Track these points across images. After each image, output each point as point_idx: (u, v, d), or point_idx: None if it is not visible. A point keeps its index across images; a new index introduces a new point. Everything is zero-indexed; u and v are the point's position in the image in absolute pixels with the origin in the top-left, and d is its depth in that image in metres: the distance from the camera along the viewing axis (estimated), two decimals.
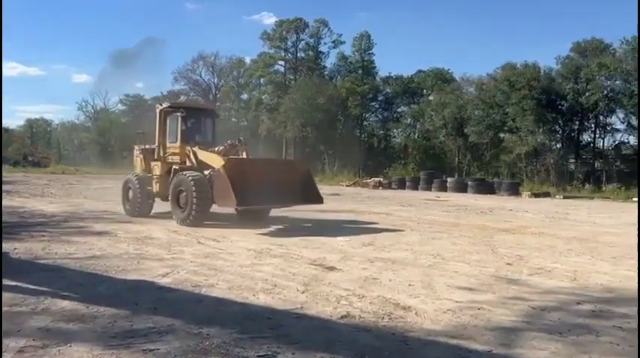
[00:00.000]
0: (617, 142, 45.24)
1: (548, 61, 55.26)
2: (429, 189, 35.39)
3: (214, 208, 12.89)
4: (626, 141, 44.92)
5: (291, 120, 54.43)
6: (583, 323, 5.36)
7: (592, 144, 45.46)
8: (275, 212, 14.55)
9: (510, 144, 43.10)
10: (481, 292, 6.66)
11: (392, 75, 60.89)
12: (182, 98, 70.40)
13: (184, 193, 12.61)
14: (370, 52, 61.06)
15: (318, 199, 13.38)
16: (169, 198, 13.14)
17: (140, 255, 8.60)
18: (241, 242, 10.33)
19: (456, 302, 6.08)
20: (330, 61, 65.53)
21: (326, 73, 63.75)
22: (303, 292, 6.38)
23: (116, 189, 16.51)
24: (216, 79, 71.55)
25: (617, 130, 44.64)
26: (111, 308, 5.44)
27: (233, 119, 68.78)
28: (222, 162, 12.21)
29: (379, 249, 9.67)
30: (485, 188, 33.37)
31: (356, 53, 61.54)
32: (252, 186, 11.84)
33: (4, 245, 8.28)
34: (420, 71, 59.88)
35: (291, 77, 64.27)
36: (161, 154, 14.31)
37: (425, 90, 58.33)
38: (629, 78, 39.73)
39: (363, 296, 6.20)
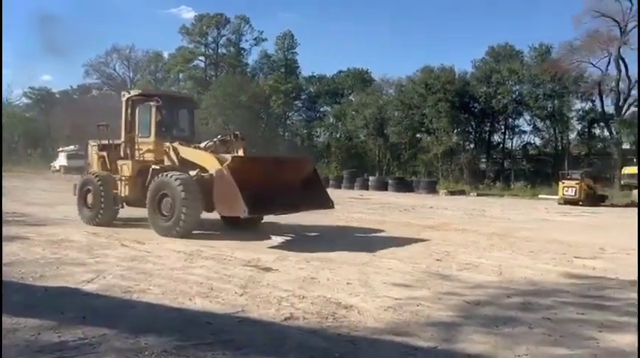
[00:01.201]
0: (523, 143, 48.39)
1: (467, 65, 57.96)
2: (351, 187, 35.95)
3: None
4: (532, 142, 48.20)
5: (212, 118, 53.21)
6: (515, 316, 5.61)
7: (501, 145, 48.35)
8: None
9: (427, 144, 44.80)
10: (417, 288, 6.80)
11: (315, 74, 61.38)
12: (94, 92, 66.79)
13: (168, 198, 10.69)
14: (293, 51, 61.16)
15: (327, 203, 11.57)
16: (147, 205, 11.09)
17: (59, 260, 7.99)
18: (169, 243, 9.91)
19: (395, 299, 6.16)
20: (252, 59, 64.99)
21: (248, 70, 63.07)
22: (242, 295, 6.20)
23: (23, 187, 15.28)
24: (131, 73, 68.59)
25: (524, 132, 47.78)
26: (33, 318, 4.97)
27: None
28: (217, 162, 10.46)
29: (314, 248, 9.62)
30: (405, 186, 34.45)
31: (279, 51, 61.41)
32: (260, 190, 9.70)
33: None
34: (340, 71, 60.76)
35: (212, 73, 62.97)
36: (128, 151, 12.24)
37: (346, 91, 59.26)
38: (535, 83, 42.64)
39: (303, 297, 6.12)
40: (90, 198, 12.36)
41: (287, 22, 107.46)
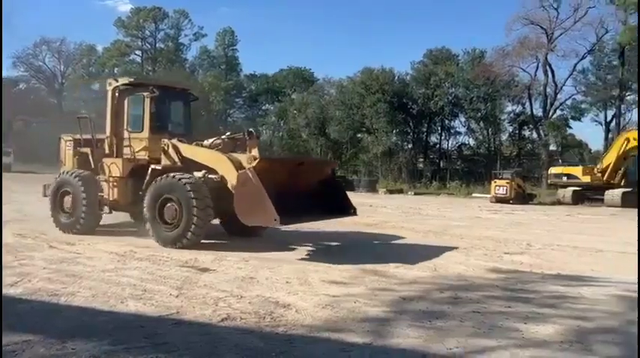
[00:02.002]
0: (459, 144, 50.18)
1: (407, 67, 59.46)
2: None
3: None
4: (467, 143, 50.06)
5: None
6: (447, 311, 5.81)
7: (438, 145, 49.92)
8: None
9: (368, 143, 45.56)
10: (354, 285, 6.90)
11: (256, 72, 60.96)
12: (21, 86, 63.24)
13: (172, 204, 9.38)
14: (234, 47, 60.50)
15: (349, 209, 10.15)
16: (145, 211, 9.70)
17: None
18: (100, 244, 9.55)
19: (333, 296, 6.23)
20: (191, 54, 63.68)
21: (187, 66, 61.74)
22: (177, 296, 6.07)
23: None
24: (62, 67, 65.38)
25: (459, 133, 49.56)
26: None
27: (83, 111, 63.46)
28: (230, 163, 9.14)
29: (254, 247, 9.55)
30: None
31: (219, 48, 60.50)
32: (284, 195, 8.55)
33: None
34: (281, 70, 60.68)
35: (150, 68, 61.13)
36: (115, 148, 10.83)
37: (288, 90, 59.24)
38: (470, 86, 44.28)
39: (241, 297, 6.07)
40: (68, 202, 10.85)
41: (228, 17, 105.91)
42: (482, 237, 12.24)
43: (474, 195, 32.01)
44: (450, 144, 50.29)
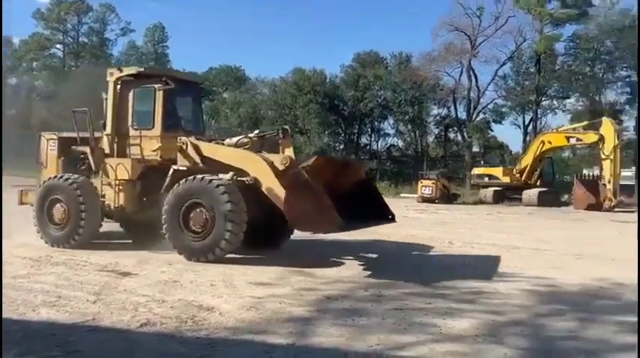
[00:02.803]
0: (388, 145, 51.54)
1: (337, 69, 60.28)
2: None
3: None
4: (395, 144, 51.52)
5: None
6: (370, 308, 5.94)
7: (368, 146, 51.01)
8: None
9: (300, 144, 45.77)
10: (279, 286, 6.91)
11: (185, 70, 59.40)
12: None
13: (202, 210, 8.29)
14: (164, 44, 58.81)
15: (388, 215, 9.06)
16: (165, 217, 8.45)
17: None
18: (14, 249, 8.95)
19: (258, 298, 6.20)
20: (117, 50, 61.24)
21: (113, 61, 59.30)
22: (95, 302, 5.82)
23: None
24: None
25: (388, 134, 50.94)
26: None
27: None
28: (264, 163, 8.23)
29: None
30: None
31: (148, 44, 58.61)
32: (335, 200, 7.69)
33: None
34: (211, 68, 59.66)
35: (72, 63, 58.20)
36: (115, 147, 9.59)
37: (219, 88, 58.34)
38: (397, 89, 45.57)
39: (163, 301, 5.91)
40: (59, 211, 9.40)
41: (156, 12, 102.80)
42: (409, 235, 12.60)
43: (402, 195, 32.92)
44: (379, 146, 51.58)
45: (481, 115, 46.98)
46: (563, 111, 47.66)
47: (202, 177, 8.36)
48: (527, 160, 28.78)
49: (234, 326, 5.11)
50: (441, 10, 60.48)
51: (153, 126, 9.35)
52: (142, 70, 9.85)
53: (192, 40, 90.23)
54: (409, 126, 49.42)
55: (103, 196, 9.41)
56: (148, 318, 5.24)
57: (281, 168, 8.08)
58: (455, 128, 47.54)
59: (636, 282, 6.73)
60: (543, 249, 10.66)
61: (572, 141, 26.84)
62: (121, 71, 9.73)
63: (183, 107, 10.40)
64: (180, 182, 8.50)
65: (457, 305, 6.19)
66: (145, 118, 9.47)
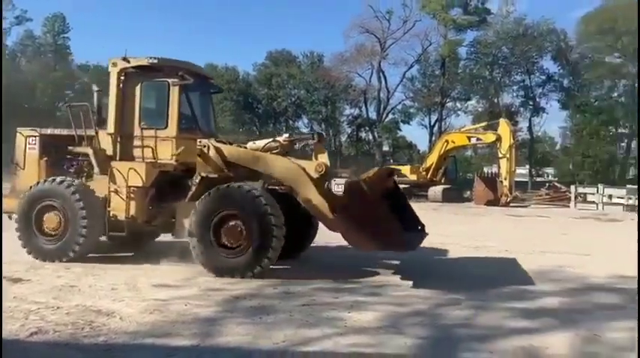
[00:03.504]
0: (302, 145, 51.85)
1: (250, 67, 59.73)
2: None
3: None
4: (310, 143, 51.97)
5: None
6: (278, 305, 5.96)
7: None
8: None
9: None
10: (186, 287, 6.75)
11: (89, 63, 56.33)
12: None
13: (237, 222, 7.43)
14: (65, 35, 55.24)
15: (417, 226, 8.07)
16: (193, 229, 7.50)
17: None
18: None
19: (163, 300, 6.01)
20: (12, 40, 56.71)
21: (7, 52, 54.84)
22: None
23: None
24: None
25: (304, 133, 51.33)
26: None
27: None
28: (301, 171, 7.60)
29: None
30: None
31: (47, 35, 54.80)
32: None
33: None
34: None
35: None
36: (119, 149, 8.41)
37: None
38: (310, 88, 46.07)
39: (57, 308, 5.55)
40: (52, 221, 8.17)
41: (55, 2, 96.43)
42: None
43: None
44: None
45: (390, 116, 48.79)
46: (465, 112, 50.67)
47: (239, 186, 7.49)
48: (432, 159, 30.17)
49: (135, 331, 4.92)
50: (353, 11, 61.89)
51: (166, 126, 8.26)
52: (155, 61, 8.35)
53: (96, 32, 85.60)
54: (323, 126, 50.12)
55: (108, 205, 8.20)
56: (39, 326, 4.90)
57: (315, 175, 7.52)
58: (366, 128, 48.89)
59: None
60: (448, 242, 11.21)
61: (473, 140, 28.52)
62: (128, 61, 8.36)
63: (199, 105, 9.13)
64: (212, 191, 7.52)
65: (363, 298, 6.38)
66: (157, 117, 8.43)
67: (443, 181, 29.98)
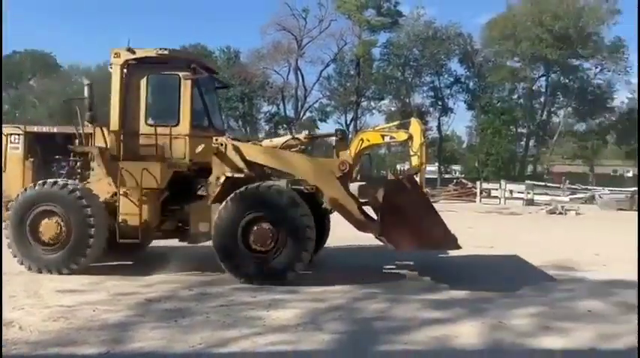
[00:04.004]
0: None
1: None
2: None
3: None
4: None
5: None
6: (194, 307, 5.79)
7: None
8: None
9: None
10: (94, 292, 6.39)
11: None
12: None
13: (266, 225, 6.97)
14: None
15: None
16: (217, 235, 7.00)
17: None
18: None
19: (68, 307, 5.64)
20: None
21: None
22: None
23: None
24: None
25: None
26: None
27: None
28: (328, 170, 7.37)
29: None
30: None
31: None
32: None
33: None
34: (15, 52, 52.71)
35: None
36: (122, 147, 7.54)
37: (26, 75, 51.89)
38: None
39: None
40: (50, 228, 7.26)
41: None
42: None
43: None
44: None
45: (308, 114, 49.10)
46: (380, 111, 52.03)
47: (270, 186, 7.10)
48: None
49: (37, 340, 4.57)
50: (271, 8, 61.68)
51: (178, 123, 7.58)
52: (166, 52, 7.67)
53: None
54: (240, 122, 49.48)
55: (114, 210, 7.46)
56: None
57: (338, 174, 7.35)
58: (284, 125, 48.90)
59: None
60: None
61: (387, 139, 29.13)
62: (133, 52, 7.58)
63: (209, 100, 8.38)
64: (238, 192, 7.02)
65: (281, 296, 6.35)
66: (166, 113, 7.75)
67: (359, 178, 30.61)
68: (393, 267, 8.62)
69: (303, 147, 8.42)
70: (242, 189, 7.03)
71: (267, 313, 5.61)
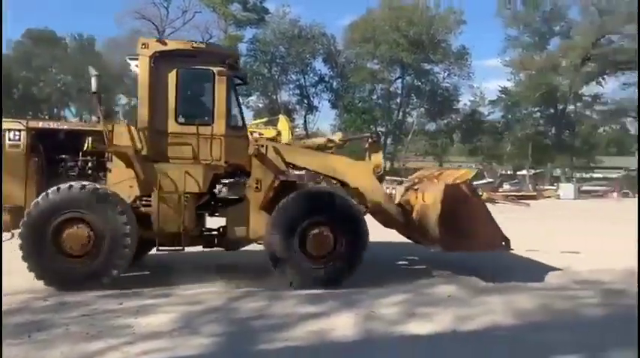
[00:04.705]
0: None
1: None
2: None
3: None
4: None
5: None
6: (52, 319, 5.24)
7: None
8: None
9: None
10: None
11: None
12: None
13: (323, 229, 6.82)
14: None
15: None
16: (277, 240, 6.74)
17: None
18: None
19: None
20: None
21: None
22: None
23: None
24: None
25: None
26: None
27: None
28: (371, 173, 7.55)
29: None
30: None
31: None
32: None
33: None
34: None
35: None
36: (150, 146, 6.79)
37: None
38: (78, 74, 41.87)
39: None
40: (78, 238, 6.39)
41: None
42: None
43: None
44: None
45: None
46: (247, 107, 51.69)
47: (329, 191, 7.24)
48: None
49: None
50: None
51: (212, 122, 6.97)
52: (203, 46, 7.35)
53: None
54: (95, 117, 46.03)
55: (138, 215, 6.70)
56: None
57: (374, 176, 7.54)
58: None
59: None
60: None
61: (256, 135, 29.32)
62: (164, 44, 6.94)
63: (234, 97, 7.56)
64: (294, 196, 6.88)
65: (151, 301, 6.01)
66: (198, 110, 7.23)
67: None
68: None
69: (338, 149, 8.60)
70: (298, 193, 7.01)
71: (136, 320, 5.25)
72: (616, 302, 6.52)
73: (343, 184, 7.55)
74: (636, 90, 43.71)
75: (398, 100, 51.51)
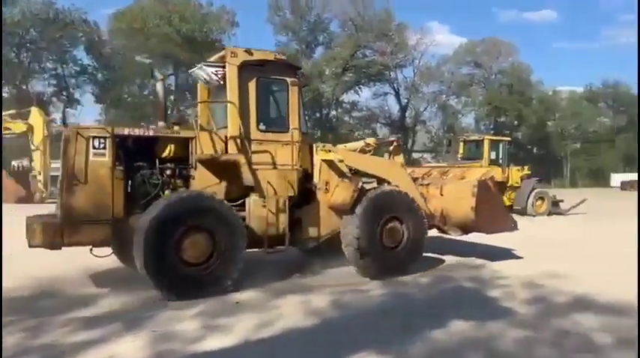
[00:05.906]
0: None
1: None
2: None
3: None
4: None
5: None
6: None
7: None
8: None
9: None
10: None
11: None
12: None
13: (396, 224, 7.82)
14: None
15: None
16: (359, 236, 7.45)
17: None
18: None
19: None
20: None
21: None
22: None
23: None
24: None
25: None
26: None
27: None
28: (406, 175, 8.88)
29: None
30: None
31: None
32: None
33: None
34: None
35: None
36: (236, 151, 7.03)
37: None
38: None
39: None
40: (199, 246, 6.37)
41: None
42: None
43: None
44: None
45: None
46: None
47: (396, 191, 8.02)
48: None
49: None
50: None
51: (287, 129, 7.43)
52: (284, 57, 7.66)
53: None
54: None
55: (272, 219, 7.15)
56: None
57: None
58: None
59: None
60: None
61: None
62: (251, 54, 7.19)
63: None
64: (371, 197, 7.69)
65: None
66: (275, 118, 7.66)
67: None
68: None
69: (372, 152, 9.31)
70: (375, 195, 7.77)
71: None
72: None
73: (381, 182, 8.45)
74: (385, 99, 50.37)
75: (172, 97, 49.65)
